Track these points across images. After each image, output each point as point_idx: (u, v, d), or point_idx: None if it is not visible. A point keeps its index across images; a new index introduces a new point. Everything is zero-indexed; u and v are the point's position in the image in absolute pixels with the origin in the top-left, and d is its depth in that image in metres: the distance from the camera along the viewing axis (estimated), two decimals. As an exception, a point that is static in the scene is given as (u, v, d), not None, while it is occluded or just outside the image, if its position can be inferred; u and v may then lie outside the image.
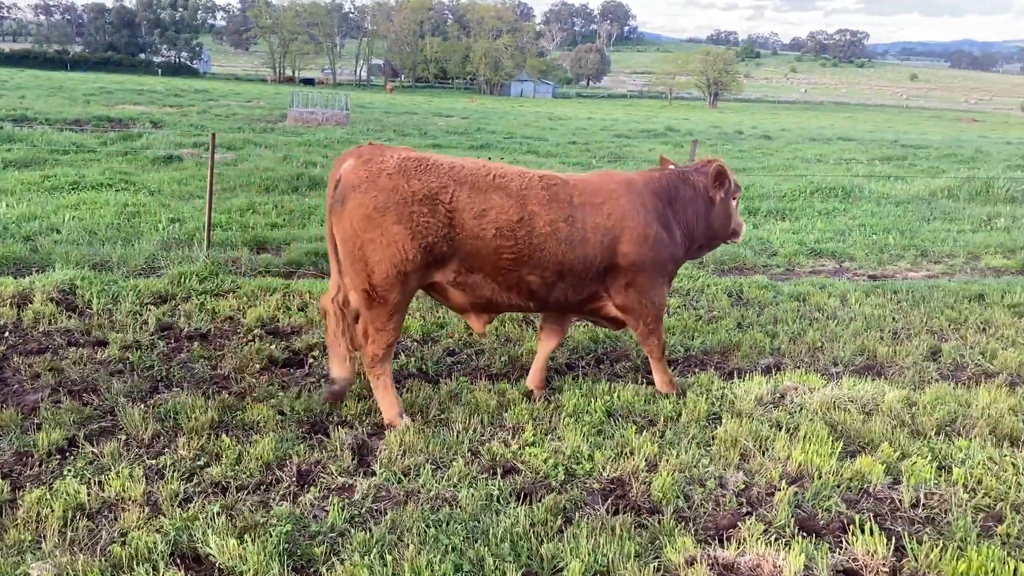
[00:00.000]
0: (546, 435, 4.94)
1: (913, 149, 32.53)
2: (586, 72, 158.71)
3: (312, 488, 4.24)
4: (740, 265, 10.07)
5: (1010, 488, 4.43)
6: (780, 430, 5.06)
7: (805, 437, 4.89)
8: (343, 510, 3.98)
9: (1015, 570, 3.59)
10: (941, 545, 3.81)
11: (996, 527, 4.06)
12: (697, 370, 6.27)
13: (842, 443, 4.89)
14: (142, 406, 5.04)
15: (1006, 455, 4.80)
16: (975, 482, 4.50)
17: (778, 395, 5.72)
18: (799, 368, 6.34)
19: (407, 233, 4.77)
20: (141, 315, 6.80)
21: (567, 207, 5.13)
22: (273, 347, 6.23)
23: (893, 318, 7.66)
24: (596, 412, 5.23)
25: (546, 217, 5.04)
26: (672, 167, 5.93)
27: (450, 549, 3.66)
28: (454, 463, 4.50)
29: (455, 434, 4.88)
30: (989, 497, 4.35)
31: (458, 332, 6.78)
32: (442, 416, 5.17)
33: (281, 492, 4.21)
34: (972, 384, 6.12)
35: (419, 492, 4.22)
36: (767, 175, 18.93)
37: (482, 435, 4.94)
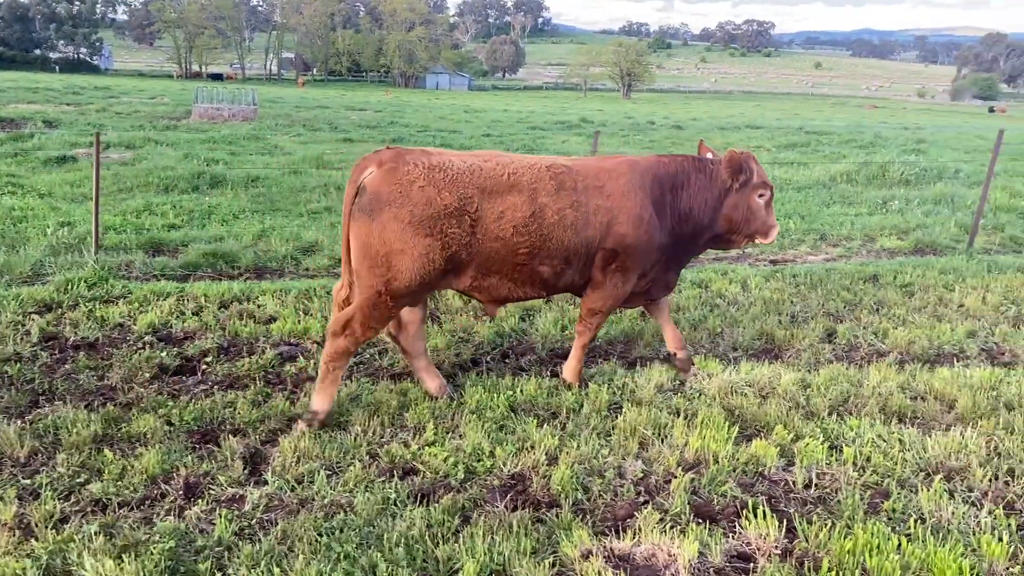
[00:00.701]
0: (448, 433, 4.87)
1: (817, 135, 33.57)
2: (501, 64, 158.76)
3: (200, 501, 4.07)
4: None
5: (896, 464, 4.57)
6: (679, 417, 5.11)
7: (703, 423, 4.95)
8: (231, 522, 3.83)
9: (898, 545, 3.70)
10: (830, 524, 3.90)
11: (883, 503, 4.18)
12: (600, 360, 6.29)
13: (738, 427, 4.97)
14: (19, 422, 4.76)
15: (894, 432, 4.97)
16: (864, 460, 4.63)
17: (678, 382, 5.79)
18: (700, 354, 6.42)
19: (438, 245, 4.83)
20: (23, 325, 6.44)
21: (573, 193, 5.20)
22: (164, 354, 5.97)
23: (791, 302, 7.86)
24: (499, 407, 5.19)
25: (554, 207, 5.11)
26: (710, 155, 5.91)
27: (342, 557, 3.57)
28: (351, 468, 4.39)
29: (353, 437, 4.77)
30: (877, 474, 4.49)
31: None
32: (341, 419, 5.04)
33: (166, 507, 4.03)
34: (864, 364, 6.32)
35: (313, 499, 4.10)
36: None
37: (382, 437, 4.83)
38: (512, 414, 5.16)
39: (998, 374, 5.94)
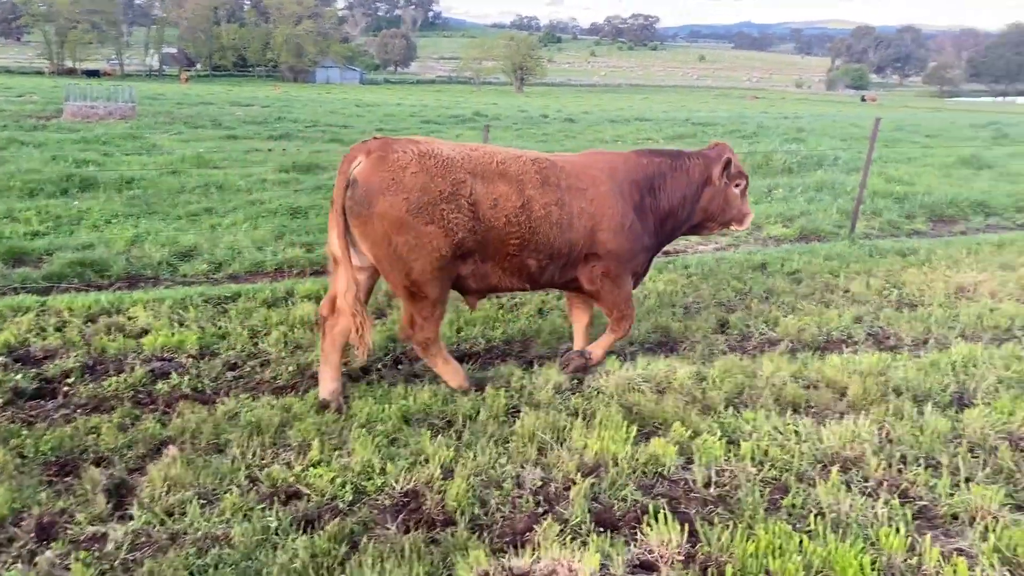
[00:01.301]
0: (335, 451, 4.56)
1: (703, 126, 34.47)
2: (393, 58, 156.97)
3: (54, 543, 3.65)
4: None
5: (793, 457, 4.55)
6: (578, 418, 4.97)
7: (601, 423, 4.82)
8: (90, 566, 3.44)
9: (800, 543, 3.64)
10: (732, 525, 3.82)
11: (782, 499, 4.13)
12: (498, 361, 6.09)
13: (637, 426, 4.85)
14: None
15: (789, 423, 4.96)
16: (762, 454, 4.59)
17: (576, 381, 5.65)
18: (628, 350, 6.31)
19: (440, 232, 4.83)
20: None
21: (557, 190, 5.22)
22: (20, 377, 5.41)
23: (684, 293, 7.87)
24: (391, 419, 4.91)
25: (541, 200, 5.14)
26: (715, 147, 6.06)
27: (216, 598, 3.24)
28: (227, 495, 4.04)
29: (230, 460, 4.40)
30: (775, 468, 4.45)
31: (241, 342, 6.22)
32: (217, 441, 4.66)
33: (15, 552, 3.59)
34: (757, 353, 6.34)
35: (185, 533, 3.74)
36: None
37: (262, 458, 4.48)
38: (405, 425, 4.90)
39: (885, 359, 6.06)
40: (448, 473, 4.31)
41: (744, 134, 29.35)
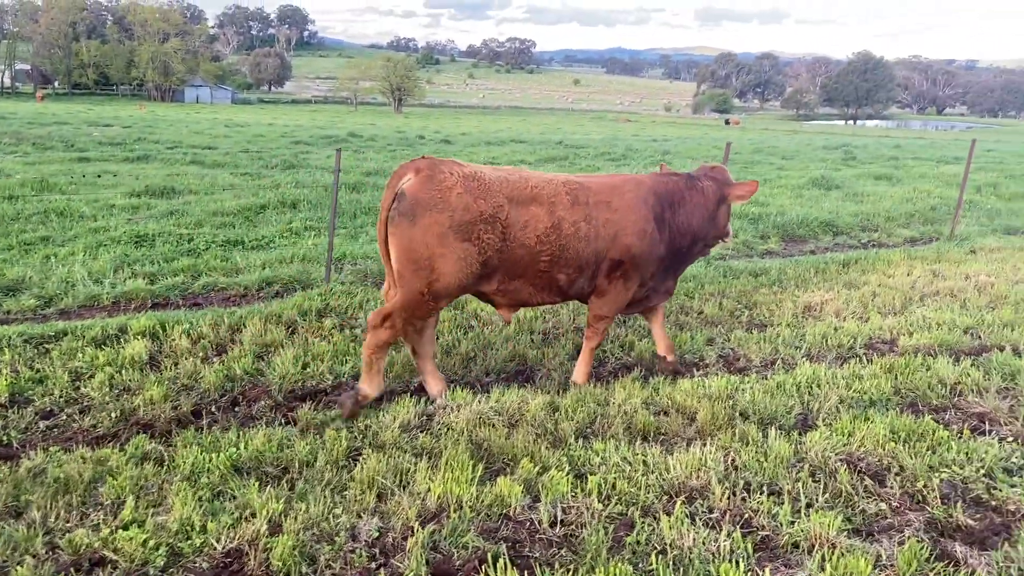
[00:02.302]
0: (152, 508, 4.15)
1: (575, 149, 35.08)
2: (267, 77, 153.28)
3: None
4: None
5: (640, 489, 4.47)
6: (423, 459, 4.73)
7: (447, 464, 4.60)
8: None
9: (639, 584, 3.53)
10: (574, 569, 3.67)
11: (627, 536, 4.03)
12: (344, 399, 5.77)
13: (485, 464, 4.68)
14: None
15: (638, 453, 4.88)
16: (610, 487, 4.48)
17: (425, 417, 5.41)
18: (452, 382, 6.12)
19: (475, 250, 5.21)
20: None
21: (585, 207, 5.61)
22: None
23: (544, 318, 7.78)
24: (218, 469, 4.53)
25: (570, 219, 5.52)
26: (677, 173, 6.36)
27: None
28: (20, 567, 3.58)
29: (28, 525, 3.93)
30: (622, 503, 4.34)
31: (60, 387, 5.66)
32: (16, 503, 4.17)
33: None
34: (612, 380, 6.29)
35: (-41, 619, 3.27)
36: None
37: (67, 521, 4.02)
38: (234, 476, 4.53)
39: (734, 382, 6.12)
40: (276, 528, 3.98)
41: (614, 156, 30.04)
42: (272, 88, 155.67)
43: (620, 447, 4.96)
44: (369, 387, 5.44)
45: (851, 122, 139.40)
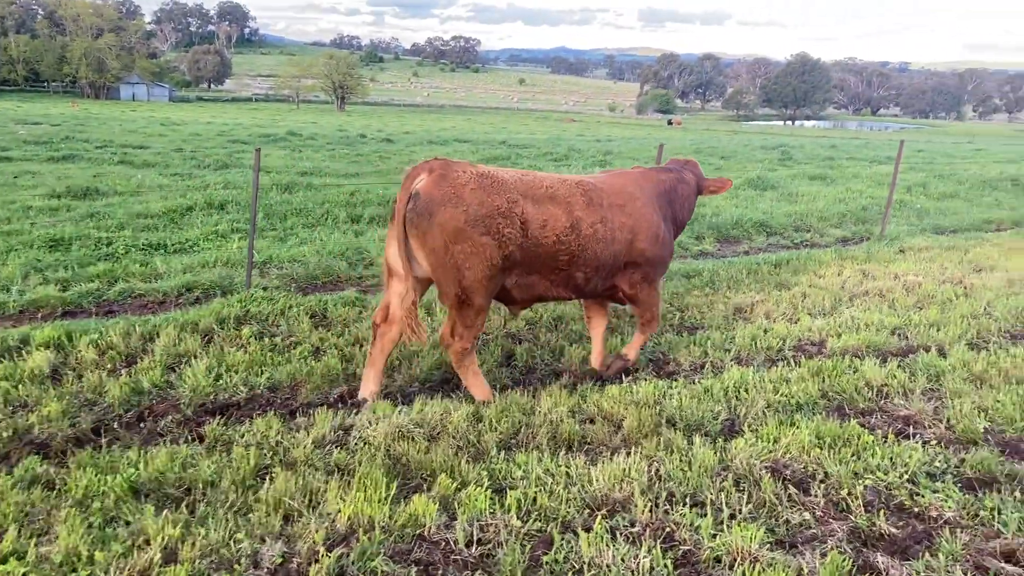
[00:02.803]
0: (36, 538, 3.85)
1: (518, 148, 34.96)
2: (206, 75, 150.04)
3: None
4: (334, 279, 9.53)
5: (562, 504, 4.32)
6: (336, 476, 4.51)
7: (360, 482, 4.39)
8: None
9: (552, 608, 3.37)
10: (485, 592, 3.50)
11: (544, 555, 3.87)
12: (257, 413, 5.50)
13: (400, 480, 4.49)
14: None
15: (561, 465, 4.74)
16: (529, 503, 4.32)
17: (342, 431, 5.19)
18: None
19: (494, 243, 5.27)
20: None
21: (600, 209, 5.78)
22: None
23: (474, 324, 7.59)
24: (114, 492, 4.25)
25: (588, 220, 5.68)
26: (670, 167, 6.75)
27: None
28: None
29: None
30: (542, 519, 4.18)
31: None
32: None
33: None
34: (540, 386, 6.14)
35: None
36: (380, 179, 18.80)
37: (-61, 555, 3.71)
38: (132, 499, 4.25)
39: (661, 387, 6.03)
40: (171, 556, 3.73)
41: (556, 156, 30.00)
42: (212, 86, 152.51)
43: (543, 459, 4.80)
44: (478, 391, 5.73)
45: (789, 123, 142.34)
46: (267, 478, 4.49)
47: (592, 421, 5.51)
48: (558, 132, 64.53)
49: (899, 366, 6.73)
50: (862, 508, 4.42)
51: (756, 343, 7.29)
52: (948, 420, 5.68)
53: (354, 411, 5.50)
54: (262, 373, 6.12)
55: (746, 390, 6.05)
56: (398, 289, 5.65)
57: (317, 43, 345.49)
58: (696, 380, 6.31)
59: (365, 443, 4.98)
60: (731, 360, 6.89)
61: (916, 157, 35.11)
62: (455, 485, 4.45)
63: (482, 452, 4.96)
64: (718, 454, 4.95)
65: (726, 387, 6.08)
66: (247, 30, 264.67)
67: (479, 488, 4.39)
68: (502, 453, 4.93)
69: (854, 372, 6.52)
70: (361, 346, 6.86)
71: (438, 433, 5.18)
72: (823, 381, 6.32)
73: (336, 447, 4.94)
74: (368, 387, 5.80)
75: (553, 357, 6.85)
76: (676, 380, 6.28)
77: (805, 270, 10.37)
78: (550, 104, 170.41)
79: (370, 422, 5.24)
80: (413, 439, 5.02)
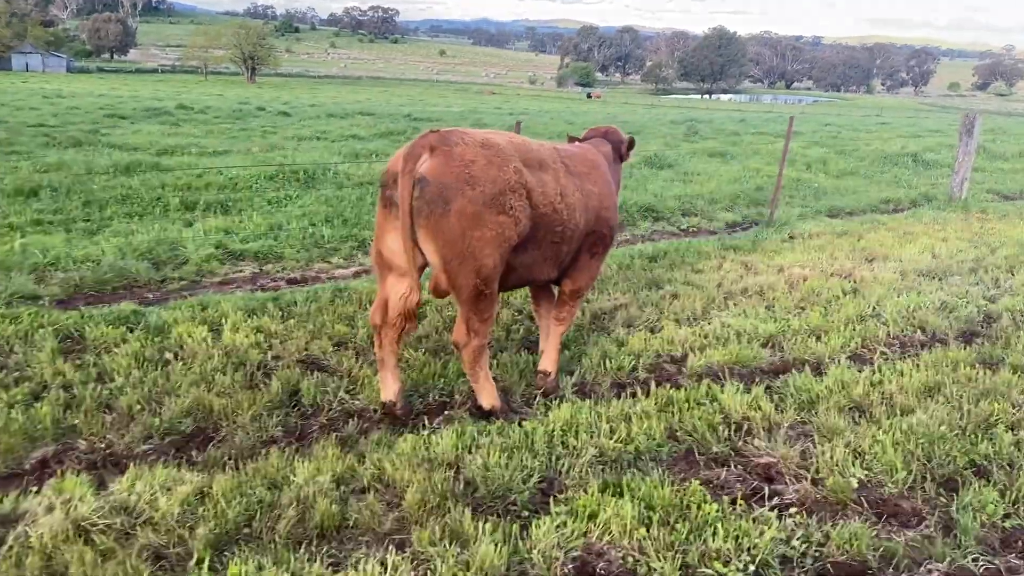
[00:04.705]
0: None
1: (425, 122, 33.35)
2: (108, 44, 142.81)
3: None
4: (129, 283, 7.97)
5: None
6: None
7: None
8: None
9: None
10: None
11: None
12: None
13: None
14: None
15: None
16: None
17: (7, 525, 3.76)
18: (89, 457, 4.48)
19: (511, 221, 4.77)
20: None
21: (575, 177, 5.42)
22: None
23: (267, 346, 6.18)
24: None
25: (570, 187, 5.29)
26: (578, 142, 6.26)
27: None
28: None
29: None
30: None
31: None
32: None
33: None
34: (317, 439, 4.80)
35: None
36: (244, 158, 17.04)
37: None
38: None
39: (468, 436, 4.75)
40: None
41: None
42: (115, 56, 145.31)
43: (266, 568, 3.48)
44: (487, 398, 5.14)
45: (707, 96, 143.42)
46: None
47: (365, 492, 4.21)
48: (476, 104, 62.94)
49: (767, 390, 5.64)
50: (686, 628, 3.26)
51: (605, 363, 6.09)
52: (816, 470, 4.58)
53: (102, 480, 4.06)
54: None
55: (575, 434, 4.84)
56: (398, 287, 4.95)
57: (230, 13, 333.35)
58: (519, 421, 5.07)
59: (23, 549, 3.57)
60: (571, 388, 5.67)
61: (823, 131, 34.83)
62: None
63: (188, 554, 3.61)
64: (511, 544, 3.72)
65: (551, 431, 4.85)
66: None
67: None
68: (218, 556, 3.59)
69: (712, 401, 5.40)
70: (104, 377, 5.41)
71: (141, 523, 3.81)
72: (673, 416, 5.16)
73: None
74: (390, 388, 5.16)
75: (349, 395, 5.49)
76: (492, 424, 5.02)
77: (682, 264, 9.25)
78: (470, 76, 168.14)
79: (49, 509, 3.83)
80: (93, 541, 3.64)
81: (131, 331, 6.31)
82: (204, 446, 4.73)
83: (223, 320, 6.57)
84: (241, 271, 8.77)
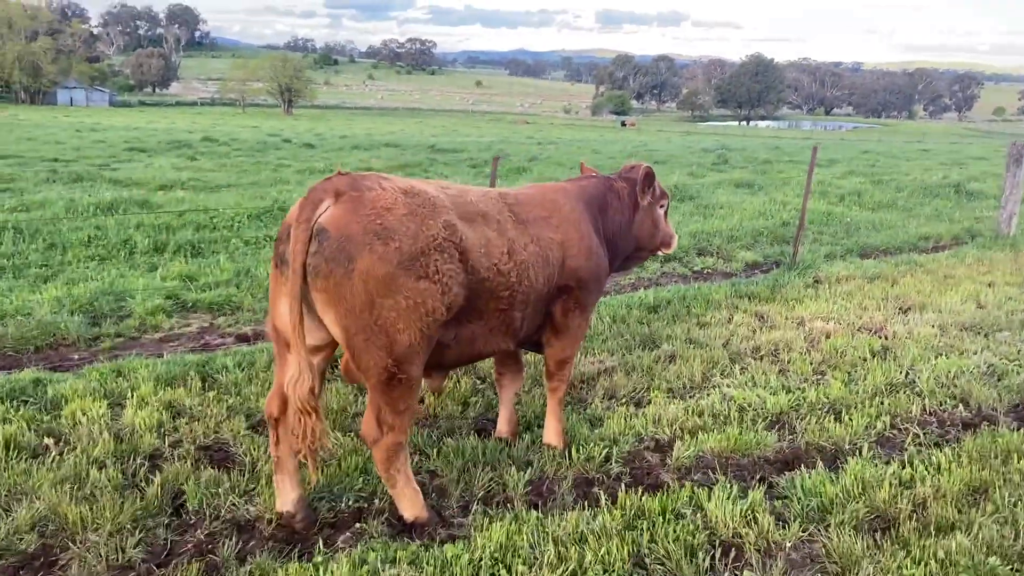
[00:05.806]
0: None
1: (448, 153, 32.69)
2: (150, 78, 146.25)
3: None
4: (56, 342, 7.09)
5: None
6: None
7: None
8: None
9: None
10: None
11: None
12: None
13: None
14: None
15: None
16: None
17: None
18: None
19: (435, 290, 3.84)
20: None
21: (528, 226, 4.58)
22: None
23: (173, 427, 5.18)
24: None
25: (520, 242, 4.45)
26: (594, 175, 5.56)
27: None
28: None
29: None
30: None
31: None
32: None
33: None
34: (186, 564, 3.80)
35: None
36: (243, 192, 16.28)
37: None
38: None
39: (373, 565, 3.73)
40: None
41: (476, 163, 27.71)
42: (157, 90, 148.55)
43: None
44: (409, 507, 4.14)
45: (744, 123, 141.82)
46: None
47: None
48: (507, 134, 62.36)
49: (768, 492, 4.53)
50: None
51: (572, 452, 5.00)
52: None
53: None
54: None
55: (510, 565, 3.77)
56: (294, 364, 3.79)
57: (270, 46, 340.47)
58: (441, 542, 4.00)
59: None
60: (524, 490, 4.60)
61: (860, 159, 33.38)
62: None
63: None
64: None
65: (478, 559, 3.79)
66: (198, 33, 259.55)
67: None
68: None
69: (696, 511, 4.29)
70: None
71: None
72: (643, 534, 4.06)
73: None
74: (287, 496, 4.17)
75: (248, 494, 4.47)
76: (409, 544, 3.97)
77: (687, 316, 8.11)
78: (505, 106, 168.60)
79: None
80: None
81: (22, 406, 5.40)
82: (45, 571, 3.75)
83: (131, 393, 5.63)
84: (188, 325, 7.85)
